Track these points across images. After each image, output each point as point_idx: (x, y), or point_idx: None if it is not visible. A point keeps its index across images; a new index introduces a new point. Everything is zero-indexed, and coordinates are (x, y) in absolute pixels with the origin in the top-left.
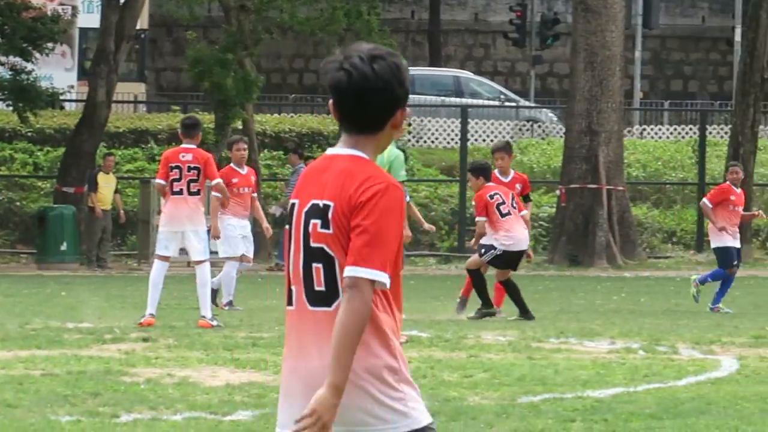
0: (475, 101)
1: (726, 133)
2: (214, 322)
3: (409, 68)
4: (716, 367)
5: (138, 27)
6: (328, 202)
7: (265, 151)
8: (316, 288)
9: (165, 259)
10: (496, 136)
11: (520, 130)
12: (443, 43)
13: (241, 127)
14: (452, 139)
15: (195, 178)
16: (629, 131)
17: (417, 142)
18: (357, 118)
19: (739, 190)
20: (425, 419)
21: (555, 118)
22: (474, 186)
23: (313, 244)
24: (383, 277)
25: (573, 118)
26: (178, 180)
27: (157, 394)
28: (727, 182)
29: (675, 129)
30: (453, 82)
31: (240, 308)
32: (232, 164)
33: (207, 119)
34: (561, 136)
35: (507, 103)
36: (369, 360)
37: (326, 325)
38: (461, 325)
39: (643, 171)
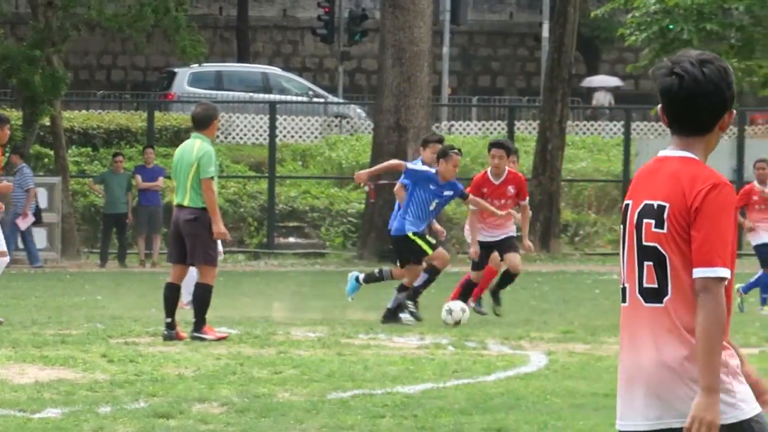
0: (283, 97)
1: (534, 128)
2: None
3: (217, 65)
4: (525, 363)
5: None
6: (663, 203)
7: (73, 147)
8: (646, 285)
9: None
10: (304, 132)
11: (328, 126)
12: (251, 39)
13: (48, 123)
14: (260, 135)
15: None
16: (437, 127)
17: (225, 138)
18: (687, 120)
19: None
20: (751, 410)
21: (363, 114)
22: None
23: (645, 243)
24: (724, 273)
25: (381, 114)
26: None
27: None
28: (753, 182)
29: (483, 125)
30: (261, 79)
31: None
32: None
33: (15, 116)
34: (369, 132)
35: (315, 99)
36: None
37: (659, 321)
38: (270, 322)
39: None
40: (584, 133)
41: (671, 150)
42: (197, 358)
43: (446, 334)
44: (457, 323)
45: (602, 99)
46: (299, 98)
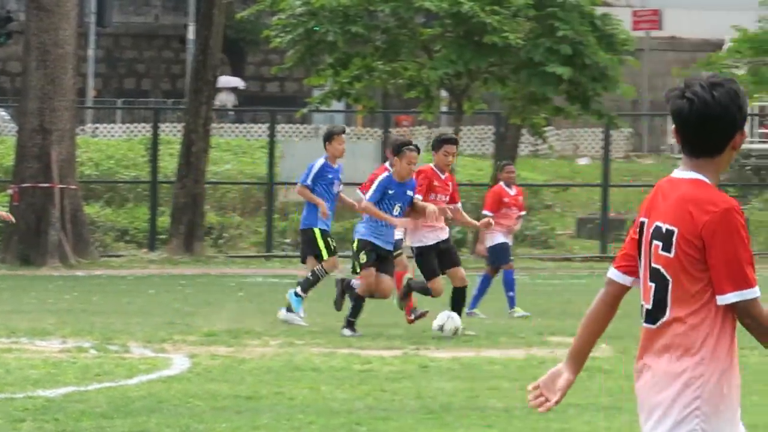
0: None
1: (179, 131)
2: None
3: None
4: (168, 366)
5: None
6: (671, 228)
7: None
8: (644, 305)
9: None
10: None
11: None
12: None
13: None
14: None
15: None
16: (82, 129)
17: None
18: (698, 143)
19: (513, 191)
20: None
21: (8, 117)
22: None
23: (652, 264)
24: (755, 292)
25: (25, 116)
26: None
27: None
28: (500, 183)
29: (128, 127)
30: None
31: None
32: None
33: None
34: (14, 135)
35: None
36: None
37: (648, 342)
38: None
39: (96, 169)
40: (230, 135)
41: (682, 171)
42: None
43: (89, 338)
44: (455, 332)
45: (225, 99)
46: None
